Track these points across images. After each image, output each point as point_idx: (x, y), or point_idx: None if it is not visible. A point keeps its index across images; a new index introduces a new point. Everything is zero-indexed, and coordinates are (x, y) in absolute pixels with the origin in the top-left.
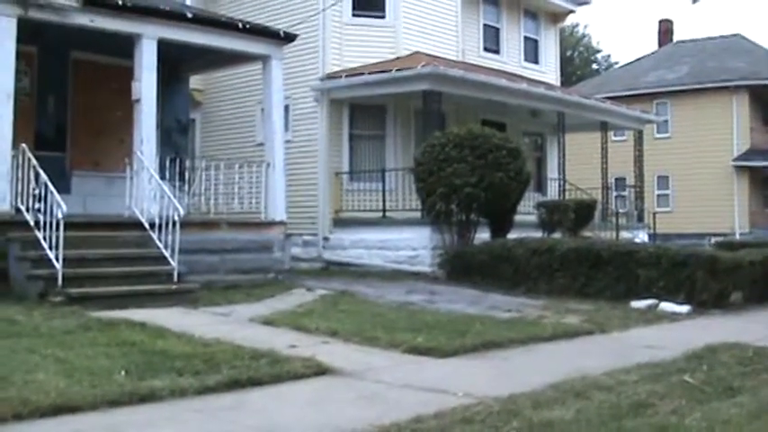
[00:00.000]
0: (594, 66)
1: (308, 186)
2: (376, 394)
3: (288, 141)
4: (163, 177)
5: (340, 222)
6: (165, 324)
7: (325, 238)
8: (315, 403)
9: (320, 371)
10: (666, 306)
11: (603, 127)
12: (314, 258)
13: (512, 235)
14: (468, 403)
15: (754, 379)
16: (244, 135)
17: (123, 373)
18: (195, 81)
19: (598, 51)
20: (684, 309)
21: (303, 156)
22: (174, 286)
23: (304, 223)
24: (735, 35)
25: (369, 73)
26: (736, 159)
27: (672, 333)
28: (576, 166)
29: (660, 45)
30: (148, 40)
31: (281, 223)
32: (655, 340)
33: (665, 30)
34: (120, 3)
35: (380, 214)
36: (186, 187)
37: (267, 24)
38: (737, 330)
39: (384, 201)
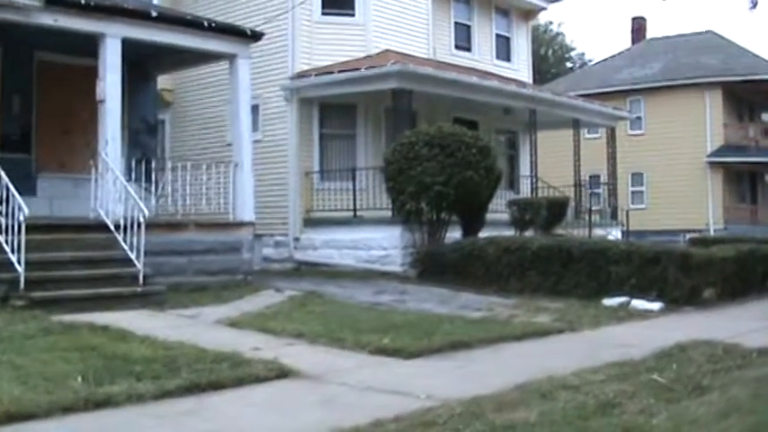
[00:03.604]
0: (569, 64)
1: (278, 186)
2: (337, 397)
3: (258, 141)
4: (130, 179)
5: (311, 222)
6: (128, 327)
7: (296, 239)
8: (275, 407)
9: (283, 373)
10: (638, 303)
11: (576, 124)
12: (285, 259)
13: (484, 233)
14: (430, 405)
15: (724, 377)
16: (214, 135)
17: (80, 378)
18: (165, 81)
19: (572, 49)
20: (656, 306)
21: (273, 156)
22: (139, 288)
23: (275, 224)
24: (707, 32)
25: (338, 71)
26: (710, 156)
27: (643, 331)
28: (551, 164)
29: (633, 42)
30: (112, 40)
31: (250, 224)
32: (625, 338)
33: (639, 27)
34: (84, 2)
35: (351, 214)
36: (153, 188)
37: (237, 23)
38: (709, 327)
39: (355, 200)
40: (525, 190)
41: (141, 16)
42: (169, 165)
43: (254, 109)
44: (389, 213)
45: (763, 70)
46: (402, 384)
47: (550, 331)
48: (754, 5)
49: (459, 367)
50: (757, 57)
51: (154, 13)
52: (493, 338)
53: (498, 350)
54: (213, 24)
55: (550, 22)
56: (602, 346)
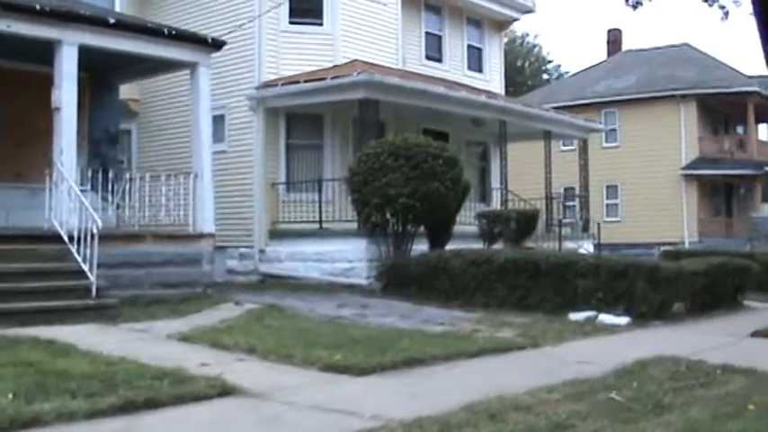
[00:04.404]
0: (545, 76)
1: (244, 198)
2: (279, 416)
3: (223, 152)
4: (88, 189)
5: (276, 234)
6: (75, 341)
7: (261, 251)
8: (212, 426)
9: (225, 391)
10: (605, 318)
11: (547, 136)
12: (250, 271)
13: (452, 246)
14: (371, 427)
15: (686, 395)
16: (180, 145)
17: (11, 396)
18: (131, 91)
19: (549, 61)
20: (624, 320)
21: (239, 166)
22: (91, 301)
23: (240, 235)
24: (683, 44)
25: (305, 81)
26: (684, 168)
27: (607, 346)
28: (526, 176)
29: (609, 54)
30: (69, 47)
31: (210, 235)
32: (588, 355)
33: (614, 39)
34: (39, 8)
35: (317, 226)
36: (110, 198)
37: (203, 32)
38: (676, 342)
39: (321, 212)
40: (497, 202)
41: (99, 23)
42: (128, 175)
43: (220, 119)
44: (355, 225)
45: (738, 83)
46: (348, 403)
47: (511, 347)
48: (726, 16)
49: (412, 384)
50: (732, 69)
51: (111, 20)
52: (451, 354)
53: (455, 367)
54: (174, 32)
55: (526, 34)
56: (563, 363)
